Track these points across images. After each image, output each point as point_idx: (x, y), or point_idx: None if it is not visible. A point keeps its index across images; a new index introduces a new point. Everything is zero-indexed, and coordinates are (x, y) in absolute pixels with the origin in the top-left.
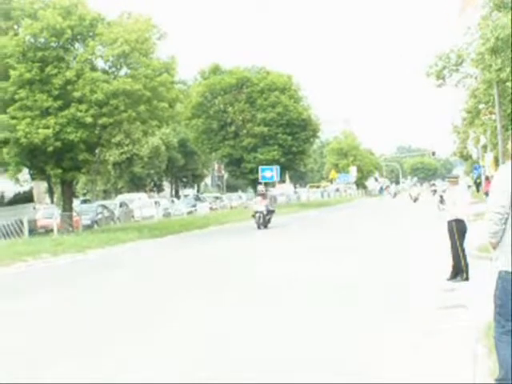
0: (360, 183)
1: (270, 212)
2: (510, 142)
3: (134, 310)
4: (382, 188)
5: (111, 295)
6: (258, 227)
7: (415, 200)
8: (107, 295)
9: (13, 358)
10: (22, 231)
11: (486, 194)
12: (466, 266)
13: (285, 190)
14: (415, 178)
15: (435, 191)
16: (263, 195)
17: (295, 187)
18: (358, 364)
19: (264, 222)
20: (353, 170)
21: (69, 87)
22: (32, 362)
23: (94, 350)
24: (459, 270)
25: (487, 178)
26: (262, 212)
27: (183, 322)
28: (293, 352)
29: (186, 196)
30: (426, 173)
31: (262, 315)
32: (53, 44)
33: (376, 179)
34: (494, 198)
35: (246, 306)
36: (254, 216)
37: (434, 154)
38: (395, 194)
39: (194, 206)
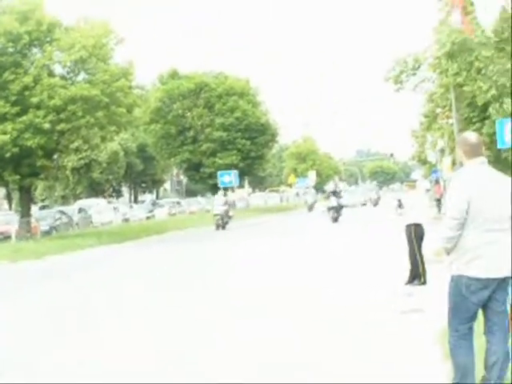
0: (319, 187)
1: (228, 216)
2: (459, 148)
3: (84, 316)
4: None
5: (66, 301)
6: (217, 228)
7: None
8: (62, 302)
9: None
10: None
11: (438, 199)
12: (424, 269)
13: (243, 195)
14: (368, 182)
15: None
16: (223, 199)
17: (254, 192)
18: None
19: (223, 223)
20: (312, 174)
21: (26, 93)
22: None
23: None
24: (417, 274)
25: (437, 182)
26: (221, 215)
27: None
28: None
29: (142, 202)
30: (385, 176)
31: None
32: (10, 49)
33: (335, 183)
34: (451, 203)
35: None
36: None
37: (392, 155)
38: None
39: (152, 211)
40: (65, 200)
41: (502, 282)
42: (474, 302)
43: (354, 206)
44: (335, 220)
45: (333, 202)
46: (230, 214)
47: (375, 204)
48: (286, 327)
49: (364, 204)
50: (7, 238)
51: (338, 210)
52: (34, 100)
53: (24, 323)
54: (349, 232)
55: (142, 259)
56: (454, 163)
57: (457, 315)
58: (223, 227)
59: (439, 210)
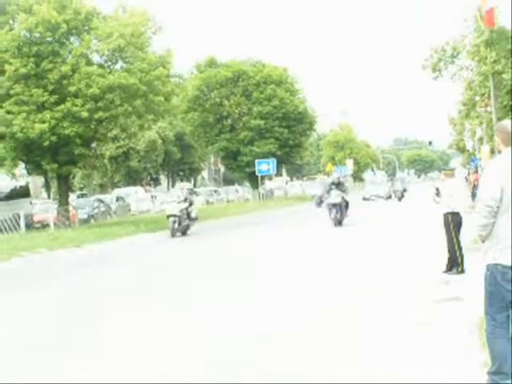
0: (357, 176)
1: (191, 219)
2: (497, 135)
3: (121, 304)
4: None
5: (104, 289)
6: (173, 235)
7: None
8: (100, 289)
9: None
10: (18, 226)
11: (474, 186)
12: (462, 258)
13: (281, 183)
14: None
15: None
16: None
17: (292, 180)
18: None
19: (181, 228)
20: (349, 162)
21: (64, 82)
22: (31, 358)
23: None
24: (455, 263)
25: (476, 171)
26: (177, 216)
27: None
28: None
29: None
30: (424, 165)
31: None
32: (48, 38)
33: (373, 171)
34: (485, 190)
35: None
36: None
37: (430, 143)
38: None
39: None
40: (103, 188)
41: None
42: (510, 290)
43: (375, 199)
44: (338, 223)
45: (334, 197)
46: (193, 214)
47: (400, 197)
48: None
49: (389, 197)
50: (46, 226)
51: (341, 208)
52: (72, 89)
53: (63, 309)
54: (358, 245)
55: (178, 249)
56: (492, 151)
57: (493, 304)
58: (183, 233)
59: (473, 198)
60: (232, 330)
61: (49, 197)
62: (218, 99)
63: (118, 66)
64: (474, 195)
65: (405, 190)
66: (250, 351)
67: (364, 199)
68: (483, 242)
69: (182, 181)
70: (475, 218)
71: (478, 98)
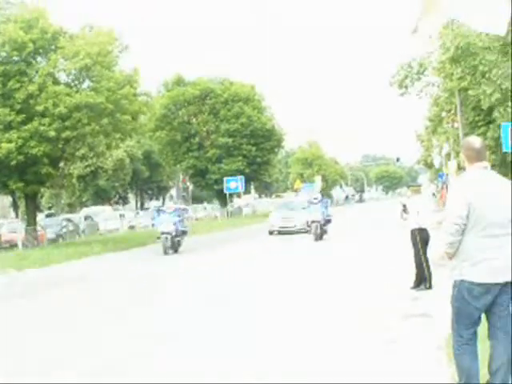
0: (325, 193)
1: (181, 233)
2: (463, 152)
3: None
4: (347, 197)
5: (71, 309)
6: (165, 252)
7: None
8: (66, 310)
9: None
10: None
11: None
12: (430, 274)
13: (249, 201)
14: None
15: (405, 206)
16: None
17: (260, 197)
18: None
19: (173, 245)
20: (318, 179)
21: (31, 101)
22: None
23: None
24: (422, 279)
25: (443, 187)
26: (169, 233)
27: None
28: None
29: (146, 209)
30: (391, 181)
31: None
32: (15, 58)
33: (342, 188)
34: (451, 208)
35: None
36: (159, 238)
37: (398, 160)
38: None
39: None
40: (71, 207)
41: (504, 287)
42: (477, 306)
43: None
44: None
45: (315, 213)
46: (185, 228)
47: (318, 235)
48: None
49: (302, 230)
50: (13, 246)
51: (321, 226)
52: (39, 108)
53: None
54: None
55: (147, 267)
56: (459, 167)
57: (460, 321)
58: (175, 250)
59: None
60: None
61: (17, 216)
62: (185, 117)
63: (85, 85)
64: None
65: (328, 221)
66: None
67: (270, 233)
68: (450, 259)
69: (150, 199)
70: (442, 235)
71: (444, 114)
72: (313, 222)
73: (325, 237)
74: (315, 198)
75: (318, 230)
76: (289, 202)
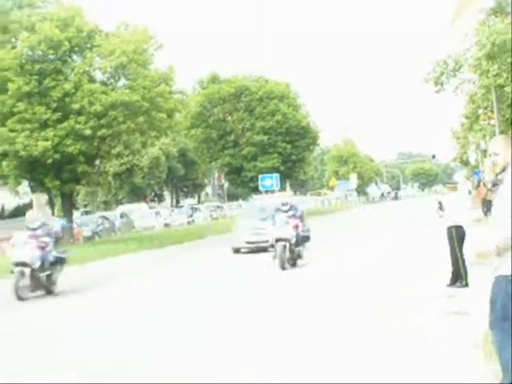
0: (361, 190)
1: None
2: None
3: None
4: (383, 194)
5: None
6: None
7: None
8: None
9: None
10: None
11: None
12: (465, 271)
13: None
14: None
15: (440, 203)
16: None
17: (295, 195)
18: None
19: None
20: (353, 176)
21: (67, 99)
22: None
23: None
24: (459, 276)
25: (479, 184)
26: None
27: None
28: None
29: (180, 207)
30: (427, 178)
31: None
32: (51, 56)
33: (377, 185)
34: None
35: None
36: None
37: (434, 157)
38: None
39: (191, 216)
40: (107, 205)
41: None
42: None
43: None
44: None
45: (280, 229)
46: (62, 254)
47: (283, 264)
48: None
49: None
50: None
51: (294, 244)
52: (75, 106)
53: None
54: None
55: (181, 265)
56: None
57: (505, 315)
58: (50, 292)
59: (485, 211)
60: None
61: (53, 214)
62: (220, 115)
63: (120, 83)
64: (487, 208)
65: (305, 238)
66: None
67: (235, 251)
68: (499, 255)
69: (186, 197)
70: (501, 230)
71: (480, 111)
72: (278, 240)
73: (300, 262)
74: (284, 204)
75: (287, 253)
76: (260, 206)
